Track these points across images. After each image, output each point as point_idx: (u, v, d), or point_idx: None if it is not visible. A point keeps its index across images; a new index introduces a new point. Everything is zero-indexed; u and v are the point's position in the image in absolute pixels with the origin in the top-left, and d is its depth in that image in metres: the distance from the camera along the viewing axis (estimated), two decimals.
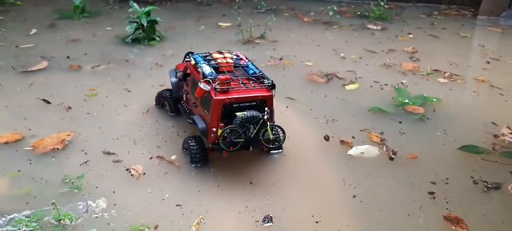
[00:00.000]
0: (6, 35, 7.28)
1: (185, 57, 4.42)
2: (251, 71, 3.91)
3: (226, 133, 3.50)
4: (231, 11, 8.43)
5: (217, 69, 3.87)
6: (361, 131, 4.60)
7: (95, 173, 3.77)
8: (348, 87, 5.73)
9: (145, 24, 7.04)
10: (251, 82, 3.72)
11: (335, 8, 8.72)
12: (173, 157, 3.99)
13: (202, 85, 3.59)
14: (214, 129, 3.55)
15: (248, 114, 3.48)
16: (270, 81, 3.69)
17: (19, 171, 3.76)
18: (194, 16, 9.02)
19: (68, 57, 6.46)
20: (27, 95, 5.17)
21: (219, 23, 8.53)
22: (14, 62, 6.13)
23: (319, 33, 8.17)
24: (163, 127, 4.50)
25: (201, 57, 4.09)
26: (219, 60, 3.99)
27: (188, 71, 4.20)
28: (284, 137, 3.74)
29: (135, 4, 7.24)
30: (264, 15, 8.98)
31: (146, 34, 7.25)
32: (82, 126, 4.51)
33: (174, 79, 4.52)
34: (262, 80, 3.76)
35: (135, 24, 7.17)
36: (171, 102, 4.65)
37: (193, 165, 3.87)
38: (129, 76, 5.84)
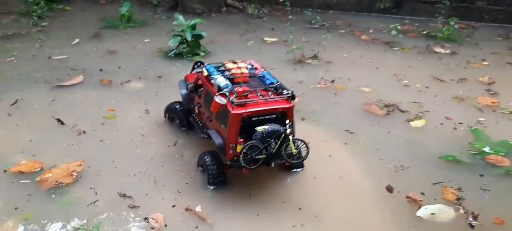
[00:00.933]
0: (46, 44, 7.05)
1: (193, 66, 4.32)
2: (268, 81, 3.74)
3: (247, 149, 3.31)
4: (282, 25, 7.82)
5: (231, 80, 3.66)
6: (433, 184, 3.81)
7: (105, 219, 3.25)
8: (413, 123, 4.93)
9: (189, 39, 6.55)
10: (269, 93, 3.55)
11: (399, 26, 7.84)
12: (198, 208, 3.42)
13: (217, 99, 3.43)
14: (233, 145, 3.39)
15: (269, 128, 3.33)
16: (290, 92, 3.53)
17: (16, 208, 3.32)
18: (241, 29, 8.46)
19: (101, 70, 6.10)
20: (44, 112, 4.79)
21: (265, 38, 7.92)
22: (48, 74, 5.82)
23: (378, 54, 7.35)
24: (186, 161, 3.99)
25: (214, 67, 3.89)
26: (233, 71, 3.75)
27: (200, 82, 4.01)
28: (307, 152, 3.50)
29: (180, 17, 6.78)
30: (317, 31, 8.28)
31: (190, 49, 6.77)
32: (94, 155, 4.02)
33: (184, 91, 4.30)
34: (281, 91, 3.58)
35: (179, 38, 6.71)
36: (182, 115, 4.42)
37: (211, 187, 3.61)
38: (156, 95, 5.37)
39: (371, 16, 9.62)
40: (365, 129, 4.74)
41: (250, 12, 9.64)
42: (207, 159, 3.63)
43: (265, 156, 3.35)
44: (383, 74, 6.40)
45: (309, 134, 3.97)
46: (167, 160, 4.04)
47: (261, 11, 9.64)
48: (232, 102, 3.35)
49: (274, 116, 3.42)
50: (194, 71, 4.25)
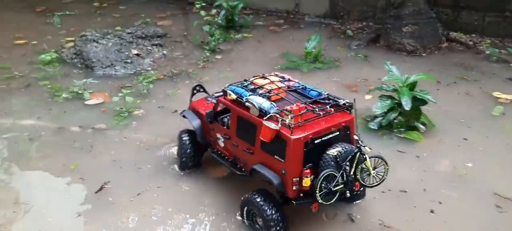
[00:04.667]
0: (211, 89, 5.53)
1: (192, 92, 3.95)
2: (313, 93, 3.24)
3: (322, 181, 2.75)
4: None
5: (268, 99, 3.12)
6: None
7: None
8: None
9: (407, 107, 4.21)
10: (325, 107, 3.02)
11: None
12: None
13: (268, 124, 2.84)
14: (297, 179, 2.82)
15: (342, 150, 2.83)
16: (346, 101, 3.07)
17: None
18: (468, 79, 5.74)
19: None
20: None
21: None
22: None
23: None
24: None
25: (241, 87, 3.29)
26: (267, 87, 3.24)
27: (219, 108, 3.46)
28: (387, 169, 2.96)
29: (393, 69, 4.50)
30: None
31: (404, 120, 4.44)
32: None
33: (198, 122, 3.66)
34: (336, 101, 3.08)
35: (389, 101, 4.43)
36: (190, 150, 3.75)
37: None
38: None
39: None
40: None
41: (485, 50, 6.76)
42: (265, 207, 2.94)
43: (343, 185, 2.83)
44: None
45: None
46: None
47: (503, 51, 6.66)
48: (289, 126, 2.78)
49: (338, 133, 2.94)
50: (210, 98, 3.78)
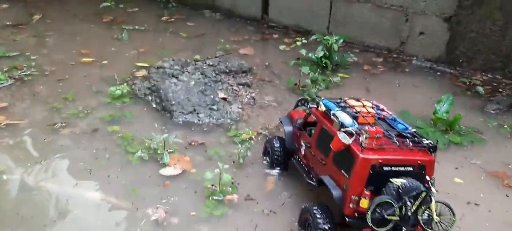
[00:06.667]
0: None
1: (297, 104, 4.22)
2: (400, 126, 3.29)
3: (376, 205, 2.78)
4: None
5: (355, 119, 3.22)
6: None
7: None
8: None
9: None
10: (405, 141, 3.06)
11: None
12: None
13: (342, 136, 2.97)
14: (355, 197, 2.89)
15: (408, 183, 2.83)
16: (431, 142, 3.05)
17: None
18: None
19: None
20: None
21: None
22: None
23: None
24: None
25: (334, 103, 3.44)
26: (357, 109, 3.34)
27: (310, 119, 3.62)
28: (453, 221, 2.88)
29: None
30: None
31: None
32: None
33: (289, 128, 3.89)
34: (419, 139, 3.09)
35: None
36: (280, 153, 4.01)
37: None
38: None
39: None
40: None
41: None
42: (318, 216, 3.03)
43: (398, 217, 2.81)
44: None
45: None
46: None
47: None
48: (361, 145, 2.87)
49: (411, 169, 2.94)
50: (303, 108, 4.04)
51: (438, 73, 6.76)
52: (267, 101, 5.65)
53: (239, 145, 4.38)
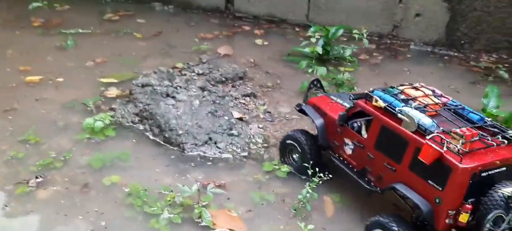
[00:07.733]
0: None
1: (309, 86, 3.82)
2: (474, 117, 2.86)
3: (492, 222, 2.43)
4: None
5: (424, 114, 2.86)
6: None
7: None
8: None
9: None
10: (488, 135, 2.70)
11: None
12: None
13: (433, 145, 2.53)
14: (453, 212, 2.52)
15: None
16: None
17: None
18: None
19: None
20: None
21: None
22: None
23: None
24: None
25: (391, 95, 2.96)
26: (421, 100, 2.91)
27: (354, 110, 3.15)
28: None
29: None
30: None
31: None
32: None
33: (321, 121, 3.36)
34: (504, 131, 2.72)
35: None
36: (313, 153, 3.37)
37: None
38: None
39: None
40: None
41: None
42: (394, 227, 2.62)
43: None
44: None
45: None
46: None
47: None
48: (458, 152, 2.47)
49: (505, 168, 2.60)
50: (335, 97, 3.57)
51: (446, 57, 6.22)
52: (285, 114, 4.64)
53: (304, 190, 3.30)
